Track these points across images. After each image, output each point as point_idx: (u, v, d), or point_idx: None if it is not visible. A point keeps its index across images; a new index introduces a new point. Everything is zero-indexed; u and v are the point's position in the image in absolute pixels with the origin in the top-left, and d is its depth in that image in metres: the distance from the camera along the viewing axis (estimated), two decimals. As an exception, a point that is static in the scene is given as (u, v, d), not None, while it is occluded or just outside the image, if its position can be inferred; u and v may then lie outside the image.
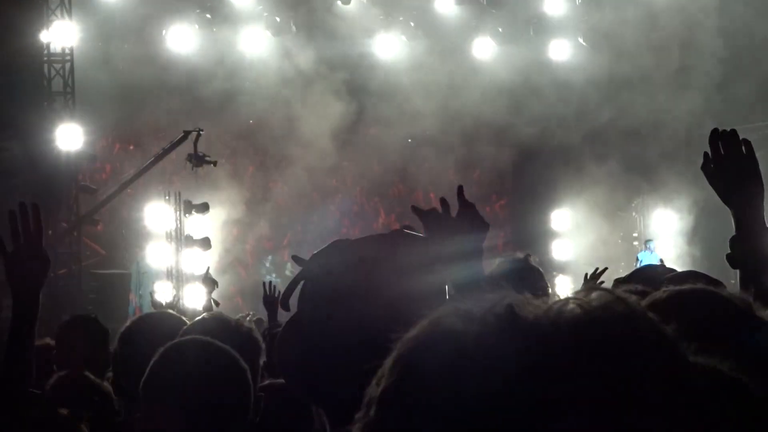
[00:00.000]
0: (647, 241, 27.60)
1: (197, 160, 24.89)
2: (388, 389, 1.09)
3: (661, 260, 22.82)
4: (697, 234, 27.46)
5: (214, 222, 27.10)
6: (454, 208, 3.52)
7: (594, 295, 1.09)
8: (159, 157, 25.64)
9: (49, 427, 3.27)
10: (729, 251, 4.06)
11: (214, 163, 25.41)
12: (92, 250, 28.03)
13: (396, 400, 1.08)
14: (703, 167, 3.99)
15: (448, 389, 1.03)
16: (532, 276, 5.74)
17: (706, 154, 3.97)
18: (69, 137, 24.06)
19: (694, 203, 26.90)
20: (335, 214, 31.94)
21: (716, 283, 3.86)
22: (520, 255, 6.35)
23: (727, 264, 4.02)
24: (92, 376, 4.76)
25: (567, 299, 1.09)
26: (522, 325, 1.06)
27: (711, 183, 3.98)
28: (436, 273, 2.17)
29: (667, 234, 28.51)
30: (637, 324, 1.06)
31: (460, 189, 3.65)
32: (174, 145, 25.45)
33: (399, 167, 32.22)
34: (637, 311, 1.07)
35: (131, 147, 31.40)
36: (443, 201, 3.54)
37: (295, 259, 2.25)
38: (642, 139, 28.22)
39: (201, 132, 25.02)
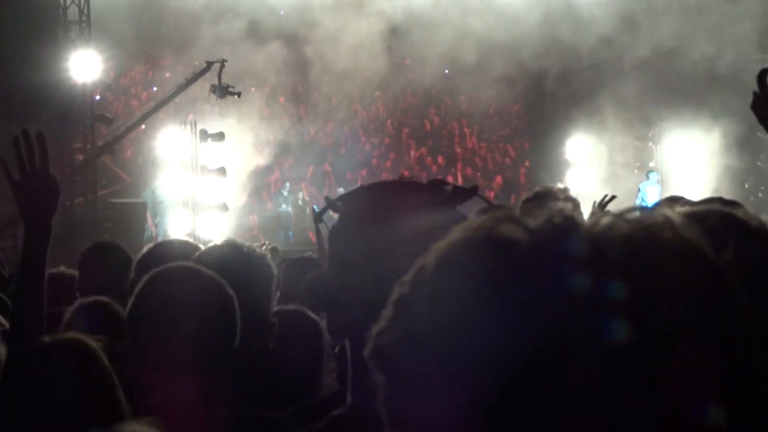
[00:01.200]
0: (649, 172, 27.65)
1: (221, 91, 24.73)
2: (439, 291, 1.05)
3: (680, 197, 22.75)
4: (721, 160, 27.38)
5: (240, 152, 27.07)
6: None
7: (639, 213, 1.06)
8: (181, 89, 25.46)
9: (64, 352, 3.26)
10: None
11: (238, 94, 25.23)
12: (109, 178, 28.07)
13: (445, 303, 1.04)
14: (754, 106, 3.96)
15: (502, 297, 1.01)
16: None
17: (755, 93, 3.94)
18: (84, 66, 24.02)
19: (722, 129, 26.81)
20: (366, 146, 31.73)
21: (733, 204, 3.86)
22: (560, 185, 6.33)
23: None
24: (115, 304, 4.72)
25: (615, 214, 1.06)
26: (581, 237, 1.03)
27: (761, 121, 3.94)
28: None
29: (686, 162, 28.42)
30: (687, 244, 1.04)
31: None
32: (197, 76, 25.27)
33: (434, 98, 31.98)
34: (684, 230, 1.05)
35: (149, 76, 31.32)
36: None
37: (327, 200, 2.28)
38: (660, 68, 28.06)
39: (225, 62, 24.82)
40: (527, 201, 5.98)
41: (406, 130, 32.73)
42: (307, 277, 2.30)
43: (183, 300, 2.94)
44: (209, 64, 24.92)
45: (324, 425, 2.14)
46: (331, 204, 2.25)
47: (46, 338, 3.36)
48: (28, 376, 3.15)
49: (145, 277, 3.07)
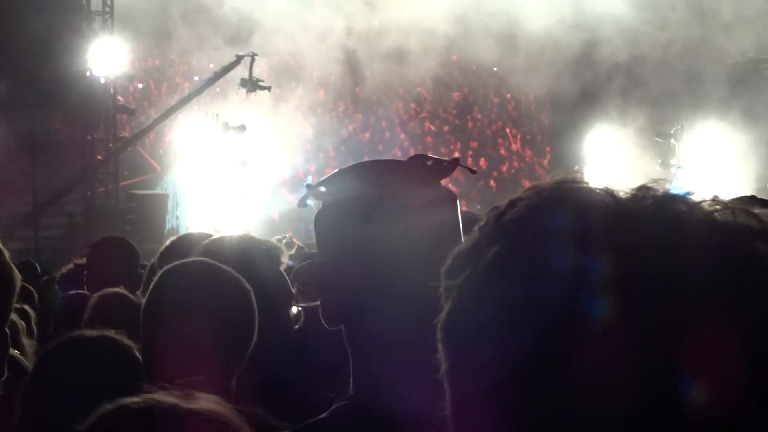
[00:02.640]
0: (677, 168, 27.69)
1: (251, 85, 24.59)
2: (464, 288, 1.06)
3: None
4: (745, 157, 27.26)
5: (267, 144, 27.06)
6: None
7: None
8: (210, 82, 25.32)
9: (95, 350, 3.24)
10: None
11: (269, 89, 25.10)
12: (131, 169, 28.13)
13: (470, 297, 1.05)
14: None
15: (509, 276, 1.02)
16: None
17: None
18: (107, 57, 24.08)
19: (743, 126, 26.71)
20: (405, 143, 31.48)
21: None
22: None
23: None
24: (134, 297, 4.73)
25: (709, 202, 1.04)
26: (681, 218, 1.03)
27: None
28: (449, 211, 2.15)
29: (709, 160, 28.30)
30: None
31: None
32: (226, 70, 25.16)
33: (481, 96, 31.66)
34: None
35: (174, 68, 31.36)
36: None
37: (309, 187, 2.26)
38: (683, 63, 27.97)
39: (255, 56, 24.68)
40: None
41: (446, 128, 32.41)
42: (296, 268, 2.31)
43: (199, 296, 2.91)
44: (239, 58, 24.83)
45: (327, 417, 2.14)
46: (312, 191, 2.24)
47: (76, 334, 3.35)
48: (58, 371, 3.13)
49: (161, 272, 3.04)
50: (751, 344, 0.97)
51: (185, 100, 25.66)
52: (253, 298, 2.99)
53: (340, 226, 2.15)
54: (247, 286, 3.00)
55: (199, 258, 3.17)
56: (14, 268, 2.58)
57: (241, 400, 3.01)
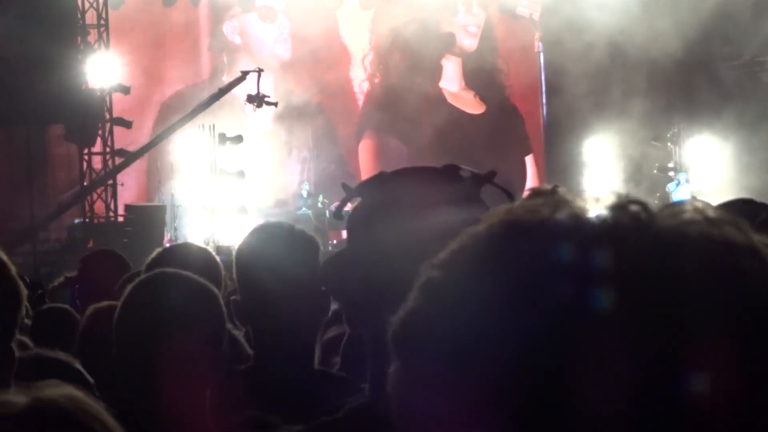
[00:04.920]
0: (680, 172, 27.66)
1: (258, 100, 24.48)
2: (450, 275, 1.05)
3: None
4: (741, 161, 27.23)
5: (271, 155, 27.04)
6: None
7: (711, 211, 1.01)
8: (215, 97, 25.11)
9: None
10: None
11: (275, 104, 25.00)
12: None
13: (455, 286, 1.04)
14: None
15: (504, 274, 1.00)
16: None
17: None
18: (102, 70, 24.09)
19: (739, 130, 26.69)
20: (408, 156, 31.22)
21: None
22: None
23: None
24: None
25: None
26: (584, 215, 1.01)
27: None
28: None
29: (706, 163, 28.30)
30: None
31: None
32: (232, 85, 25.05)
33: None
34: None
35: (169, 81, 31.32)
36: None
37: (344, 186, 2.26)
38: (679, 67, 27.96)
39: (261, 71, 24.51)
40: None
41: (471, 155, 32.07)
42: (326, 259, 2.27)
43: (167, 308, 2.87)
44: (244, 73, 24.70)
45: (341, 417, 2.13)
46: (350, 194, 2.23)
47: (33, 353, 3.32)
48: None
49: (129, 287, 3.01)
50: (747, 350, 0.96)
51: (189, 116, 25.52)
52: (222, 305, 2.96)
53: (363, 232, 2.16)
54: (215, 290, 2.98)
55: (167, 269, 3.12)
56: (20, 283, 2.58)
57: (232, 404, 3.01)
